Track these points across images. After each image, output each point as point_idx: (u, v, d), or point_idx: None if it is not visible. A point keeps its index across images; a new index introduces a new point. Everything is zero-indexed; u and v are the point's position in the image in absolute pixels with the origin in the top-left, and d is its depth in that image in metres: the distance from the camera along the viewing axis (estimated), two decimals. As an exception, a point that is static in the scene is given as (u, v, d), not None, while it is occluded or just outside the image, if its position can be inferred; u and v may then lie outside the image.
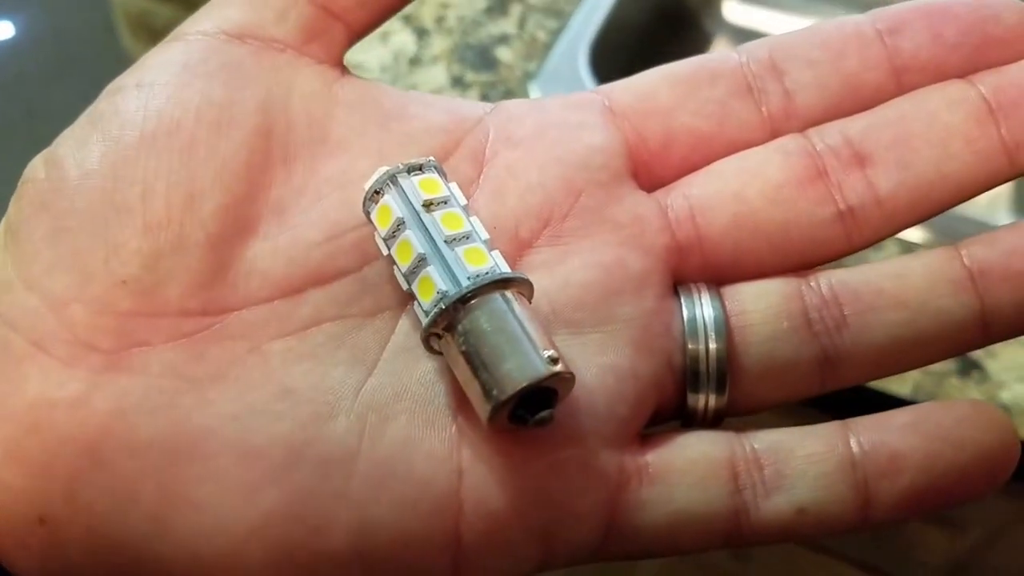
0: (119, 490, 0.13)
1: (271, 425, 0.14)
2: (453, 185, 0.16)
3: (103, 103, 0.15)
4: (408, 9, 0.58)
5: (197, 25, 0.16)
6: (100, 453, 0.13)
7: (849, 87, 0.16)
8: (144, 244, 0.14)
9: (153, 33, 0.88)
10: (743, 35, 0.72)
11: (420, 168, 0.15)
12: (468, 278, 0.14)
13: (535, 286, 0.15)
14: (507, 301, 0.14)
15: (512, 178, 0.16)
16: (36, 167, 0.15)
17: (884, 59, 0.16)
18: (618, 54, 0.59)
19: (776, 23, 0.71)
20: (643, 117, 0.17)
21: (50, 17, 1.60)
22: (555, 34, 0.56)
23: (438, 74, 0.55)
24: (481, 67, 0.55)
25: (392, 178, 0.15)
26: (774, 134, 0.16)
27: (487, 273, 0.14)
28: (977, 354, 0.41)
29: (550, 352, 0.14)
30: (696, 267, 0.16)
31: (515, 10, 0.58)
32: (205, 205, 0.15)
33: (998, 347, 0.41)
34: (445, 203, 0.15)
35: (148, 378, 0.14)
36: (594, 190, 0.16)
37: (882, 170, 0.15)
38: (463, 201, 0.15)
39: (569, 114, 0.17)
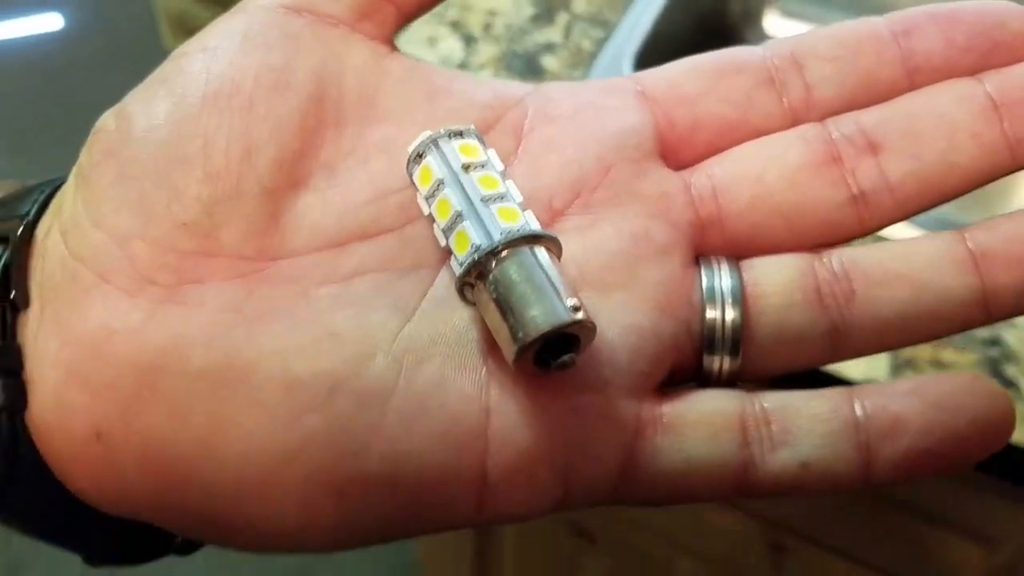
0: (171, 412, 0.14)
1: (315, 361, 0.15)
2: (491, 151, 0.17)
3: (170, 65, 0.17)
4: (456, 16, 0.60)
5: (256, 1, 0.17)
6: (155, 378, 0.14)
7: (865, 83, 0.17)
8: (204, 191, 0.15)
9: (192, 33, 0.90)
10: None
11: (461, 134, 0.16)
12: (500, 233, 0.15)
13: (566, 250, 0.16)
14: (535, 255, 0.15)
15: (548, 153, 0.17)
16: (107, 119, 0.16)
17: (898, 58, 0.17)
18: (662, 64, 0.60)
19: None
20: (672, 102, 0.18)
21: (98, 10, 1.63)
22: (600, 44, 0.57)
23: (485, 80, 0.56)
24: (527, 75, 0.56)
25: (434, 141, 0.16)
26: (794, 124, 0.17)
27: (518, 229, 0.15)
28: (1012, 372, 0.42)
29: (573, 301, 0.15)
30: (716, 243, 0.17)
31: (561, 19, 0.59)
32: (261, 159, 0.16)
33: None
34: (483, 166, 0.16)
35: (203, 312, 0.15)
36: (624, 166, 0.17)
37: (893, 158, 0.16)
38: (500, 166, 0.17)
39: (604, 97, 0.18)
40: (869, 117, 0.17)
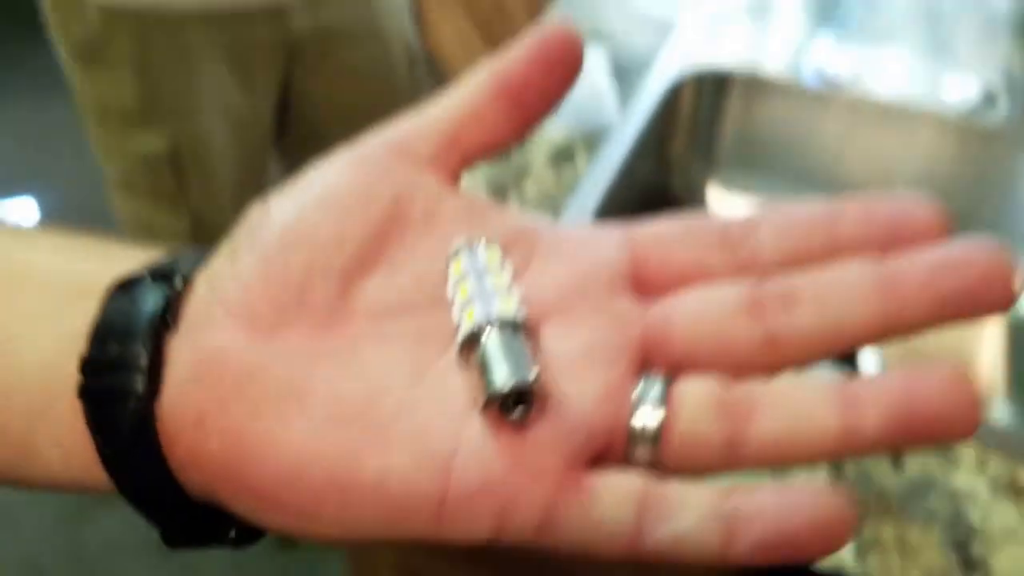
0: (249, 410, 0.20)
1: (350, 390, 0.20)
2: (507, 262, 0.22)
3: (303, 174, 0.23)
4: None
5: (371, 139, 0.24)
6: (244, 385, 0.20)
7: (797, 250, 0.22)
8: (308, 263, 0.21)
9: (148, 230, 0.93)
10: (727, 220, 0.76)
11: (486, 243, 0.22)
12: (496, 314, 0.20)
13: (544, 344, 0.21)
14: (515, 334, 0.20)
15: (545, 272, 0.22)
16: (256, 209, 0.23)
17: (826, 234, 0.22)
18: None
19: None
20: (650, 247, 0.22)
21: (68, 196, 1.68)
22: (550, 222, 0.60)
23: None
24: (481, 253, 0.58)
25: (468, 245, 0.22)
26: (739, 275, 0.22)
27: (508, 314, 0.21)
28: (980, 552, 0.41)
29: (535, 371, 0.19)
30: (660, 359, 0.21)
31: (512, 198, 0.62)
32: (347, 248, 0.22)
33: (1000, 543, 0.42)
34: (497, 268, 0.22)
35: (285, 346, 0.21)
36: (601, 290, 0.22)
37: (802, 313, 0.21)
38: (509, 271, 0.22)
39: (597, 235, 0.23)
40: (793, 279, 0.21)
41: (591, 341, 0.21)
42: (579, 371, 0.21)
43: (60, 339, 0.21)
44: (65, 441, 0.21)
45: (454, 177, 0.24)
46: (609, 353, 0.21)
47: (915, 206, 0.21)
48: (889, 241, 0.21)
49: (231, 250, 0.22)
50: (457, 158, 0.24)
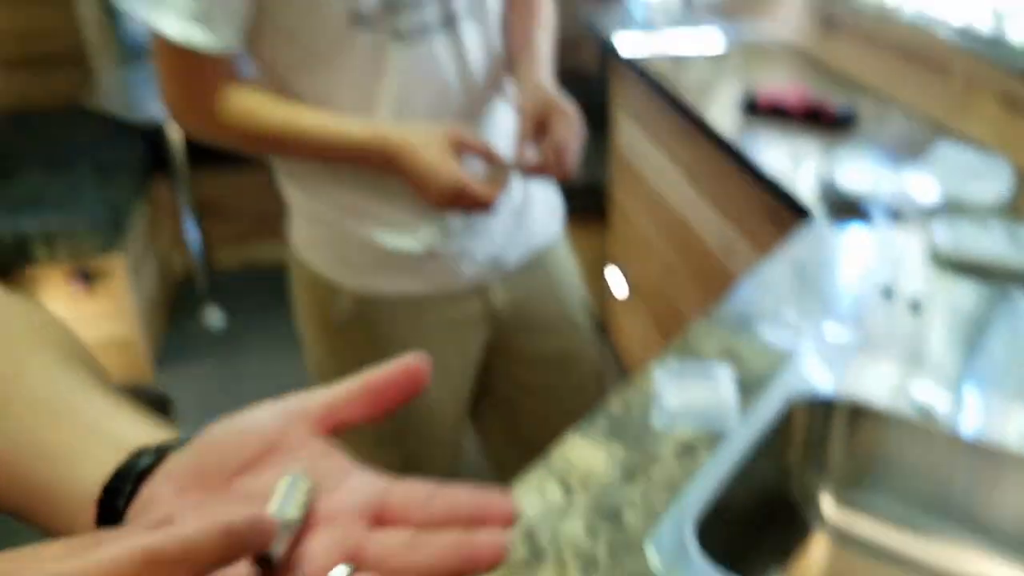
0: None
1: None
2: (314, 487, 0.35)
3: (239, 413, 0.38)
4: (561, 469, 0.77)
5: (290, 398, 0.39)
6: (153, 504, 0.35)
7: (441, 517, 0.34)
8: (215, 461, 0.36)
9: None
10: (837, 532, 0.84)
11: (308, 475, 0.36)
12: (281, 513, 0.34)
13: (309, 539, 0.34)
14: (288, 527, 0.33)
15: (336, 498, 0.35)
16: (211, 424, 0.37)
17: (452, 511, 0.34)
18: (721, 527, 0.73)
19: (865, 528, 0.83)
20: (392, 497, 0.36)
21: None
22: (669, 504, 0.72)
23: (576, 524, 0.71)
24: (609, 521, 0.71)
25: (295, 476, 0.36)
26: (423, 525, 0.34)
27: (287, 516, 0.34)
28: None
29: (281, 551, 0.32)
30: (359, 560, 0.33)
31: (640, 481, 0.75)
32: (240, 458, 0.36)
33: None
34: (303, 490, 0.35)
35: (183, 500, 0.35)
36: (354, 515, 0.35)
37: (420, 554, 0.33)
38: (310, 495, 0.35)
39: (372, 482, 0.36)
40: (426, 534, 0.34)
41: (330, 542, 0.34)
42: (314, 555, 0.34)
43: (104, 473, 0.37)
44: (87, 524, 0.37)
45: (327, 431, 0.39)
46: (335, 550, 0.34)
47: (502, 503, 0.34)
48: (474, 520, 0.34)
49: (188, 444, 0.38)
50: (331, 423, 0.39)
